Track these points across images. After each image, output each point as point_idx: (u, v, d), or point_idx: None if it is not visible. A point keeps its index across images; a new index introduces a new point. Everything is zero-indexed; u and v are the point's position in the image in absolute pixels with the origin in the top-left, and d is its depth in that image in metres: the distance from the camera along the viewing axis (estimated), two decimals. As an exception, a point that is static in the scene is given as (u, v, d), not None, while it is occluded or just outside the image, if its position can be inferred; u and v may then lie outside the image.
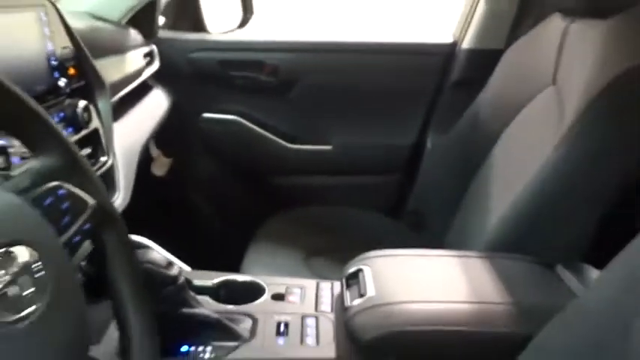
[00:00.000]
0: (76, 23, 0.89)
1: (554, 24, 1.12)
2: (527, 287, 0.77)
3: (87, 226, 0.48)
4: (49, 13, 0.79)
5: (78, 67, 0.86)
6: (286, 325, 0.77)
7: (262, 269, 1.11)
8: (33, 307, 0.35)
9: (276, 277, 0.92)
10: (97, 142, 0.87)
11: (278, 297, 0.85)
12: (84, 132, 0.82)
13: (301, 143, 1.56)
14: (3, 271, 0.35)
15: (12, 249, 0.36)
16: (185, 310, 0.73)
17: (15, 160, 0.64)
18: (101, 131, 0.89)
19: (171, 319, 0.70)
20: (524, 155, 1.04)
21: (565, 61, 1.04)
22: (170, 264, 0.72)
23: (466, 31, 1.45)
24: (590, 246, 0.90)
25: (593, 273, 0.82)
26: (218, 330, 0.74)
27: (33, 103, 0.46)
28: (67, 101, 0.81)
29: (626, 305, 0.55)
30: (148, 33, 1.35)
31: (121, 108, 1.10)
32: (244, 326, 0.77)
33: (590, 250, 0.90)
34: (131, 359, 0.49)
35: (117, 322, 0.52)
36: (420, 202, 1.45)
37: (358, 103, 1.54)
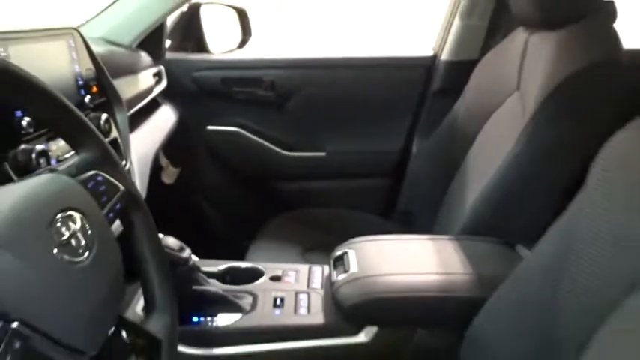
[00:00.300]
0: (96, 48, 1.03)
1: (518, 37, 1.24)
2: (487, 260, 0.89)
3: (118, 205, 0.61)
4: (75, 40, 0.92)
5: (99, 86, 0.98)
6: (282, 299, 0.89)
7: (262, 261, 1.22)
8: (86, 254, 0.48)
9: (274, 263, 1.04)
10: (116, 150, 1.00)
11: (275, 278, 0.97)
12: (106, 140, 0.95)
13: (297, 151, 1.65)
14: (65, 228, 0.48)
15: (71, 213, 0.49)
16: (195, 287, 0.86)
17: (53, 161, 0.77)
18: (120, 140, 1.02)
19: (183, 294, 0.82)
20: (494, 152, 1.15)
21: (526, 69, 1.16)
22: (182, 248, 0.84)
23: (444, 44, 1.56)
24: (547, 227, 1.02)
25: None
26: (223, 304, 0.87)
27: (77, 111, 0.60)
28: (92, 114, 0.94)
29: (556, 268, 0.68)
30: (157, 55, 1.45)
31: (135, 121, 1.22)
32: (246, 301, 0.89)
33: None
34: (155, 314, 0.61)
35: (143, 288, 0.64)
36: (409, 202, 1.55)
37: (349, 113, 1.63)
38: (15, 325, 0.40)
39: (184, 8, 1.61)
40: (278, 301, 0.89)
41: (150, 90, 1.36)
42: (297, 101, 1.61)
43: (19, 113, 0.71)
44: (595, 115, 0.95)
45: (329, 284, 0.90)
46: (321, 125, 1.64)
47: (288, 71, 1.59)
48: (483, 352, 0.75)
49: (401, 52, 1.64)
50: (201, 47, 1.65)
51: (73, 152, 0.64)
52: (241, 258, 1.26)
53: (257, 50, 1.76)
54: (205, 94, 1.59)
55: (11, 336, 0.40)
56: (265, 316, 0.86)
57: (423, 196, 1.45)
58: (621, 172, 0.65)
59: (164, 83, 1.47)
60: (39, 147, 0.71)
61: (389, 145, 1.65)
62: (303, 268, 1.00)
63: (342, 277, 0.86)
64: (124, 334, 0.57)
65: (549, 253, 0.71)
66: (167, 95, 1.51)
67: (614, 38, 1.02)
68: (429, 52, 1.61)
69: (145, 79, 1.34)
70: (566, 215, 0.71)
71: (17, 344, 0.40)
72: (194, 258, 1.06)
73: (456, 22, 1.52)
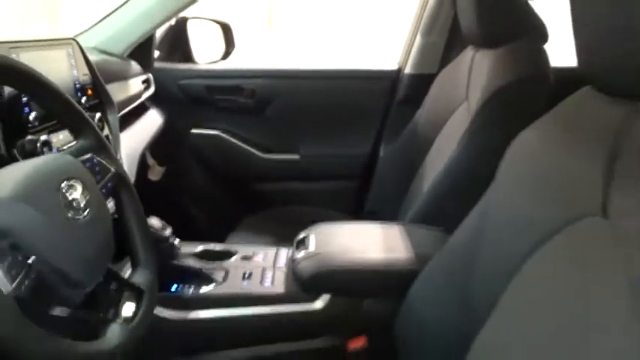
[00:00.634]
0: (91, 56, 1.16)
1: (467, 53, 1.39)
2: (424, 242, 1.04)
3: (110, 184, 0.75)
4: (74, 49, 1.06)
5: (94, 89, 1.11)
6: (250, 273, 1.03)
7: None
8: (85, 213, 0.62)
9: (247, 246, 1.17)
10: (108, 146, 1.14)
11: (246, 258, 1.10)
12: (99, 137, 1.09)
13: (274, 153, 1.78)
14: (68, 193, 0.62)
15: (73, 182, 0.63)
16: (175, 261, 1.00)
17: (54, 150, 0.90)
18: (110, 138, 1.16)
19: (164, 267, 0.96)
20: (445, 154, 1.30)
21: (472, 82, 1.32)
22: (164, 227, 0.98)
23: (407, 59, 1.72)
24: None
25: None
26: (199, 276, 1.00)
27: (77, 106, 0.74)
28: (87, 114, 1.08)
29: (473, 243, 0.82)
30: (146, 64, 1.57)
31: (124, 122, 1.36)
32: (218, 275, 1.03)
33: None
34: (139, 270, 0.75)
35: (129, 250, 0.78)
36: (375, 201, 1.67)
37: (322, 119, 1.76)
38: (31, 260, 0.54)
39: (172, 22, 1.73)
40: (247, 275, 1.02)
41: (139, 95, 1.49)
42: (274, 108, 1.74)
43: (26, 109, 0.84)
44: (520, 121, 1.09)
45: (290, 261, 1.04)
46: (296, 130, 1.77)
47: (267, 81, 1.73)
48: (415, 318, 0.89)
49: (369, 65, 1.80)
50: (188, 58, 1.78)
51: (71, 143, 0.77)
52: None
53: (239, 61, 1.88)
54: (190, 100, 1.72)
55: (28, 268, 0.54)
56: (235, 286, 0.99)
57: (388, 195, 1.57)
58: (524, 165, 0.80)
59: (152, 89, 1.59)
60: (43, 137, 0.84)
61: (358, 149, 1.79)
62: (272, 250, 1.14)
63: (301, 254, 1.01)
64: (113, 285, 0.71)
65: (468, 232, 0.85)
66: (155, 100, 1.63)
67: (543, 57, 1.18)
68: (394, 66, 1.76)
69: (135, 85, 1.47)
70: (482, 201, 0.85)
71: (33, 275, 0.54)
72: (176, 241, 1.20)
73: (418, 39, 1.68)
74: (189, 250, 1.10)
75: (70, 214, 0.60)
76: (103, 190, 0.73)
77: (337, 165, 1.80)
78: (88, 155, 0.73)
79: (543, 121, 0.77)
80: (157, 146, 1.60)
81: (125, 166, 1.22)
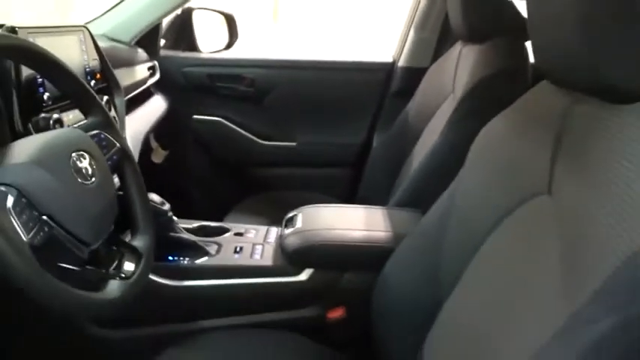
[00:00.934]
0: (100, 43, 1.25)
1: (456, 48, 1.47)
2: (401, 222, 1.12)
3: (115, 157, 0.84)
4: (85, 36, 1.14)
5: (102, 74, 1.19)
6: (241, 248, 1.11)
7: None
8: (93, 180, 0.71)
9: (240, 224, 1.26)
10: (114, 127, 1.22)
11: (238, 234, 1.18)
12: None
13: (272, 140, 1.85)
14: (78, 162, 0.70)
15: (82, 152, 0.72)
16: (172, 234, 1.08)
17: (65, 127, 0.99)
18: (117, 119, 1.24)
19: (162, 239, 1.04)
20: (430, 144, 1.38)
21: (458, 75, 1.39)
22: (163, 202, 1.06)
23: (401, 52, 1.79)
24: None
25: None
26: (193, 249, 1.09)
27: (88, 86, 0.82)
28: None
29: (443, 222, 0.90)
30: (152, 52, 1.65)
31: (130, 106, 1.44)
32: (212, 248, 1.11)
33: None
34: (138, 235, 0.84)
35: (129, 217, 0.86)
36: (367, 188, 1.75)
37: (319, 108, 1.83)
38: (45, 217, 0.63)
39: (178, 12, 1.81)
40: (238, 249, 1.11)
41: (144, 81, 1.57)
42: (273, 97, 1.82)
43: (41, 90, 0.93)
44: (498, 112, 1.17)
45: (279, 237, 1.12)
46: (293, 118, 1.85)
47: (267, 70, 1.80)
48: (390, 291, 0.96)
49: (365, 57, 1.86)
50: (192, 47, 1.85)
51: (81, 121, 0.86)
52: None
53: (240, 51, 1.94)
54: (193, 87, 1.79)
55: (42, 223, 0.63)
56: (227, 259, 1.08)
57: (379, 183, 1.65)
58: (487, 152, 0.88)
59: (157, 76, 1.67)
60: (55, 116, 0.92)
61: (352, 138, 1.86)
62: (263, 228, 1.22)
63: (289, 231, 1.09)
64: (115, 247, 0.80)
65: (438, 213, 0.93)
66: (159, 87, 1.71)
67: (523, 52, 1.25)
68: (389, 59, 1.83)
69: (141, 72, 1.55)
70: (452, 184, 0.93)
71: (45, 230, 0.63)
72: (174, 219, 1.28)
73: (411, 34, 1.76)
74: (186, 226, 1.18)
75: (79, 180, 0.69)
76: (109, 163, 0.82)
77: (332, 153, 1.88)
78: (96, 131, 0.82)
79: (507, 112, 0.85)
80: (161, 130, 1.68)
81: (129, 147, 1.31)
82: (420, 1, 1.72)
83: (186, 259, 1.07)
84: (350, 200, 1.82)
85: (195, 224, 1.20)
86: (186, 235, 1.09)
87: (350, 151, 1.88)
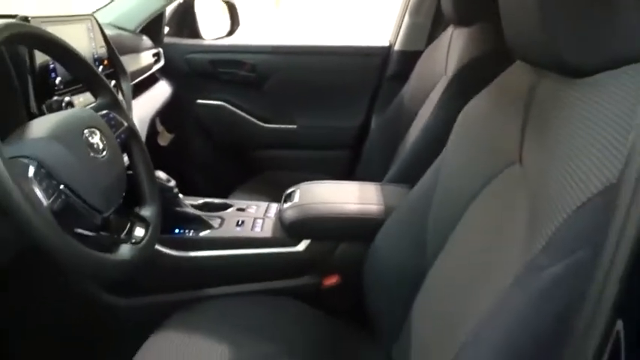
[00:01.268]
0: (107, 31, 1.31)
1: (448, 32, 1.52)
2: (393, 196, 1.19)
3: (123, 135, 0.91)
4: (93, 24, 1.21)
5: (109, 60, 1.26)
6: (243, 221, 1.19)
7: None
8: (104, 154, 0.78)
9: (242, 201, 1.33)
10: (121, 110, 1.29)
11: (240, 209, 1.26)
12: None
13: (272, 123, 1.91)
14: (90, 138, 0.78)
15: (93, 129, 0.79)
16: (177, 208, 1.15)
17: (77, 110, 1.06)
18: (124, 103, 1.31)
19: (168, 213, 1.11)
20: (423, 122, 1.43)
21: (450, 58, 1.45)
22: (169, 179, 1.14)
23: (397, 36, 1.84)
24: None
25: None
26: (198, 222, 1.16)
27: (98, 71, 0.89)
28: (104, 80, 1.23)
29: (428, 194, 0.96)
30: (156, 39, 1.71)
31: (136, 91, 1.50)
32: (215, 222, 1.18)
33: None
34: (146, 205, 0.91)
35: (137, 190, 0.93)
36: (365, 169, 1.80)
37: (317, 92, 1.89)
38: (62, 186, 0.70)
39: (181, 0, 1.86)
40: (240, 222, 1.18)
41: (149, 67, 1.63)
42: (273, 81, 1.88)
43: (53, 75, 1.00)
44: None
45: (278, 211, 1.20)
46: (293, 102, 1.91)
47: (267, 56, 1.86)
48: (381, 259, 1.03)
49: (362, 41, 1.92)
50: (195, 34, 1.91)
51: (91, 104, 0.93)
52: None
53: (241, 37, 2.01)
54: (196, 73, 1.86)
55: (59, 192, 0.70)
56: (229, 231, 1.15)
57: (376, 164, 1.70)
58: (468, 127, 0.94)
59: (162, 62, 1.73)
60: (67, 98, 1.00)
61: (351, 121, 1.92)
62: (264, 204, 1.30)
63: (287, 205, 1.16)
64: (125, 216, 0.87)
65: (425, 186, 0.99)
66: (164, 72, 1.77)
67: None
68: (385, 43, 1.88)
69: (146, 58, 1.62)
70: (437, 159, 1.00)
71: (62, 197, 0.70)
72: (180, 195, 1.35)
73: (406, 18, 1.81)
74: (191, 202, 1.26)
75: (91, 154, 0.76)
76: (118, 140, 0.89)
77: (331, 135, 1.94)
78: (105, 111, 0.89)
79: (485, 91, 0.92)
80: (166, 114, 1.75)
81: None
82: (414, -13, 1.77)
83: (191, 231, 1.14)
84: (348, 180, 1.88)
85: (200, 201, 1.28)
86: (191, 210, 1.17)
87: (348, 134, 1.94)
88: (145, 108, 1.52)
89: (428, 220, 0.95)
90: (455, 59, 1.33)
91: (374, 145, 1.79)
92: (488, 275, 0.70)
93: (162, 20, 1.75)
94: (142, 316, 1.12)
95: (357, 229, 1.13)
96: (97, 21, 1.24)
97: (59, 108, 0.98)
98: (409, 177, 1.29)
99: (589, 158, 0.54)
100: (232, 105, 1.91)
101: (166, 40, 1.81)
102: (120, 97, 1.28)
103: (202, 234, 1.14)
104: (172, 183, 1.13)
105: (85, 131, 0.77)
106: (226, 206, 1.27)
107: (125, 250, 0.79)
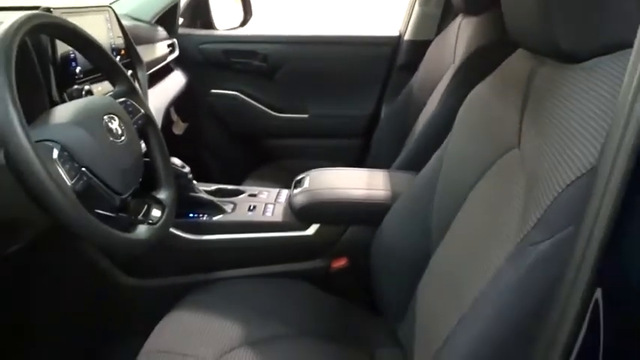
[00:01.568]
0: (124, 22, 1.35)
1: (456, 21, 1.54)
2: (400, 182, 1.22)
3: (140, 121, 0.95)
4: (110, 15, 1.25)
5: (126, 50, 1.29)
6: (254, 206, 1.23)
7: None
8: (122, 139, 0.82)
9: (254, 187, 1.37)
10: (137, 99, 1.33)
11: (252, 195, 1.29)
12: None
13: (284, 112, 1.95)
14: (109, 123, 0.82)
15: (112, 115, 0.83)
16: (191, 193, 1.20)
17: (95, 99, 1.10)
18: (140, 92, 1.35)
19: (183, 198, 1.16)
20: (432, 110, 1.45)
21: (458, 47, 1.47)
22: (184, 165, 1.18)
23: (407, 26, 1.86)
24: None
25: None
26: (211, 207, 1.20)
27: (116, 60, 0.94)
28: (121, 69, 1.27)
29: (433, 180, 0.99)
30: (171, 30, 1.75)
31: (152, 81, 1.54)
32: (228, 207, 1.22)
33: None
34: (162, 189, 0.95)
35: (154, 174, 0.98)
36: (376, 158, 1.82)
37: (329, 82, 1.91)
38: (83, 168, 0.75)
39: (195, -9, 1.89)
40: (251, 207, 1.22)
41: (164, 57, 1.67)
42: (285, 71, 1.91)
43: (73, 64, 1.04)
44: None
45: (289, 196, 1.23)
46: (305, 92, 1.94)
47: (279, 46, 1.89)
48: (387, 242, 1.06)
49: (372, 31, 1.94)
50: (208, 25, 1.95)
51: (109, 92, 0.97)
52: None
53: (253, 28, 2.04)
54: (210, 63, 1.90)
55: (81, 174, 0.74)
56: (241, 215, 1.19)
57: (386, 152, 1.71)
58: (471, 113, 0.97)
59: (176, 53, 1.77)
60: (87, 87, 1.04)
61: (361, 110, 1.95)
62: (275, 190, 1.33)
63: (297, 190, 1.20)
64: (142, 199, 0.92)
65: (429, 172, 1.02)
66: (178, 63, 1.81)
67: None
68: (395, 33, 1.90)
69: (161, 48, 1.65)
70: (442, 146, 1.03)
71: (84, 179, 0.75)
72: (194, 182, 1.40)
73: (416, 8, 1.83)
74: (205, 188, 1.30)
75: (110, 138, 0.80)
76: (135, 126, 0.93)
77: (342, 124, 1.97)
78: (123, 99, 0.93)
79: (488, 78, 0.94)
80: (180, 104, 1.78)
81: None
82: (424, -23, 1.78)
83: (205, 216, 1.18)
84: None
85: (214, 187, 1.32)
86: (204, 195, 1.21)
87: (359, 123, 1.97)
88: (160, 98, 1.56)
89: (432, 205, 0.98)
90: (463, 48, 1.35)
91: (384, 133, 1.82)
92: (486, 255, 0.73)
93: (176, 11, 1.78)
94: (157, 297, 1.17)
95: (364, 214, 1.16)
96: (114, 12, 1.28)
97: (79, 96, 1.02)
98: (416, 164, 1.32)
99: (579, 139, 0.57)
100: (245, 94, 1.94)
101: (181, 30, 1.85)
102: (136, 85, 1.33)
103: (215, 218, 1.18)
104: (187, 169, 1.17)
105: (105, 117, 0.81)
106: (239, 192, 1.31)
107: (142, 230, 0.84)
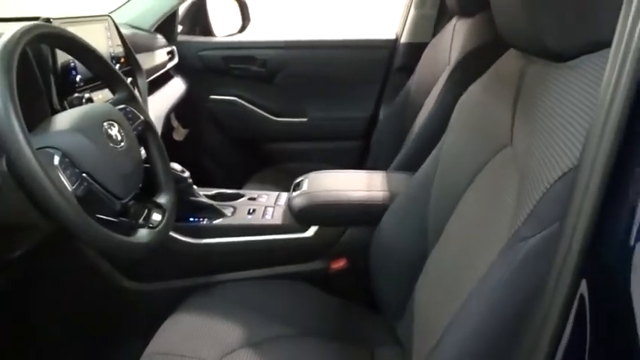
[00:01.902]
0: (123, 30, 1.37)
1: (452, 23, 1.56)
2: (397, 183, 1.23)
3: (140, 128, 0.97)
4: (109, 24, 1.27)
5: (126, 58, 1.31)
6: (254, 210, 1.24)
7: None
8: (122, 145, 0.84)
9: (253, 191, 1.38)
10: (137, 107, 1.35)
11: (252, 199, 1.31)
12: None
13: (284, 117, 1.96)
14: (109, 130, 0.84)
15: (112, 122, 0.85)
16: (191, 198, 1.21)
17: (95, 106, 1.12)
18: (139, 99, 1.37)
19: (183, 202, 1.17)
20: (428, 111, 1.47)
21: (453, 48, 1.48)
22: (183, 170, 1.19)
23: (403, 29, 1.88)
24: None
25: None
26: (211, 211, 1.22)
27: (115, 68, 0.95)
28: (121, 77, 1.29)
29: (429, 180, 1.01)
30: (170, 37, 1.77)
31: (152, 88, 1.56)
32: (228, 211, 1.24)
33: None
34: (162, 193, 0.97)
35: (154, 179, 0.99)
36: (375, 160, 1.83)
37: (327, 85, 1.93)
38: (84, 174, 0.76)
39: (193, -1, 1.92)
40: (251, 211, 1.23)
41: (164, 64, 1.69)
42: (284, 76, 1.93)
43: (73, 73, 1.06)
44: None
45: (288, 199, 1.25)
46: (303, 95, 1.96)
47: (277, 51, 1.91)
48: (385, 242, 1.07)
49: (369, 35, 1.96)
50: (207, 31, 1.97)
51: (109, 100, 0.99)
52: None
53: (252, 34, 2.07)
54: (209, 69, 1.92)
55: (82, 179, 0.76)
56: (241, 219, 1.20)
57: (385, 154, 1.72)
58: (466, 113, 0.98)
59: (176, 60, 1.79)
60: (87, 95, 1.06)
61: (360, 113, 1.97)
62: (274, 193, 1.35)
63: (296, 193, 1.22)
64: (142, 203, 0.93)
65: (425, 173, 1.03)
66: (178, 70, 1.83)
67: None
68: (392, 36, 1.92)
69: (161, 56, 1.68)
70: (437, 147, 1.04)
71: (85, 184, 0.76)
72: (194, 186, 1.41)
73: (412, 11, 1.84)
74: (205, 192, 1.31)
75: (110, 144, 0.82)
76: (135, 132, 0.95)
77: (342, 127, 1.99)
78: (123, 105, 0.95)
79: (481, 78, 0.95)
80: (180, 110, 1.80)
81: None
82: (419, -21, 1.80)
83: (205, 219, 1.20)
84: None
85: (214, 191, 1.33)
86: (204, 199, 1.22)
87: (357, 125, 1.98)
88: (160, 104, 1.58)
89: (428, 206, 0.99)
90: (458, 49, 1.37)
91: (382, 135, 1.83)
92: (480, 253, 0.74)
93: (175, 19, 1.81)
94: (158, 301, 1.18)
95: (362, 215, 1.18)
96: (113, 21, 1.30)
97: (80, 104, 1.04)
98: (414, 164, 1.33)
99: (566, 135, 0.59)
100: (244, 100, 1.96)
101: (180, 38, 1.87)
102: (136, 93, 1.35)
103: (215, 222, 1.19)
104: (186, 174, 1.19)
105: (105, 124, 0.83)
106: (238, 196, 1.32)
107: (143, 234, 0.85)
